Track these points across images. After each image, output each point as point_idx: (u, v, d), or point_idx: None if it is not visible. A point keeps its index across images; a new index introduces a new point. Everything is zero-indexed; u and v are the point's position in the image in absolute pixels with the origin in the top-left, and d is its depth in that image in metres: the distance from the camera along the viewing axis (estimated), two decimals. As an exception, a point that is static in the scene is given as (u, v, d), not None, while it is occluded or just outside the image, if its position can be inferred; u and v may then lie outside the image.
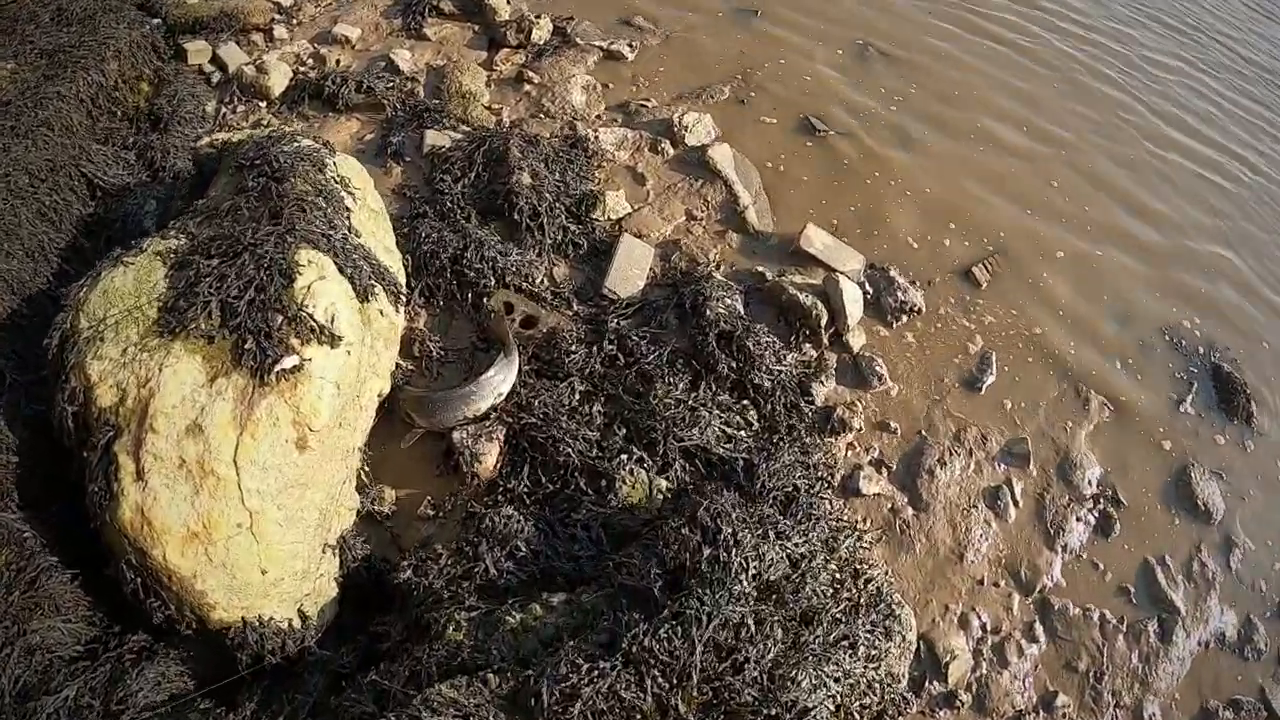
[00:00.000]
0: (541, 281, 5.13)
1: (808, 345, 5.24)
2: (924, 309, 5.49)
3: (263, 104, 5.94)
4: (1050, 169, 6.80)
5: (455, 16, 6.88)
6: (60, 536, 3.35)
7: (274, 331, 3.42)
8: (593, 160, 5.83)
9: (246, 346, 3.36)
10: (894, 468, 4.82)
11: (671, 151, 6.09)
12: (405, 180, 5.54)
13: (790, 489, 4.21)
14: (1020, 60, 7.96)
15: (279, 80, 6.00)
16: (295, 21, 6.65)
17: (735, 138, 6.33)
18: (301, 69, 6.24)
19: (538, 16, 6.88)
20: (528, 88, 6.42)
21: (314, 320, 3.53)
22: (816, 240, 5.75)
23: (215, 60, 6.14)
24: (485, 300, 4.89)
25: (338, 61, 6.31)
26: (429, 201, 5.31)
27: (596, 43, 6.88)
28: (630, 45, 6.91)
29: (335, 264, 3.83)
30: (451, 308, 4.95)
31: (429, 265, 4.91)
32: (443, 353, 4.77)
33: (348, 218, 4.16)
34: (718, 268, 5.56)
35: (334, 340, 3.56)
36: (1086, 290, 5.92)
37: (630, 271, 5.31)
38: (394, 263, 4.53)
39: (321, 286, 3.68)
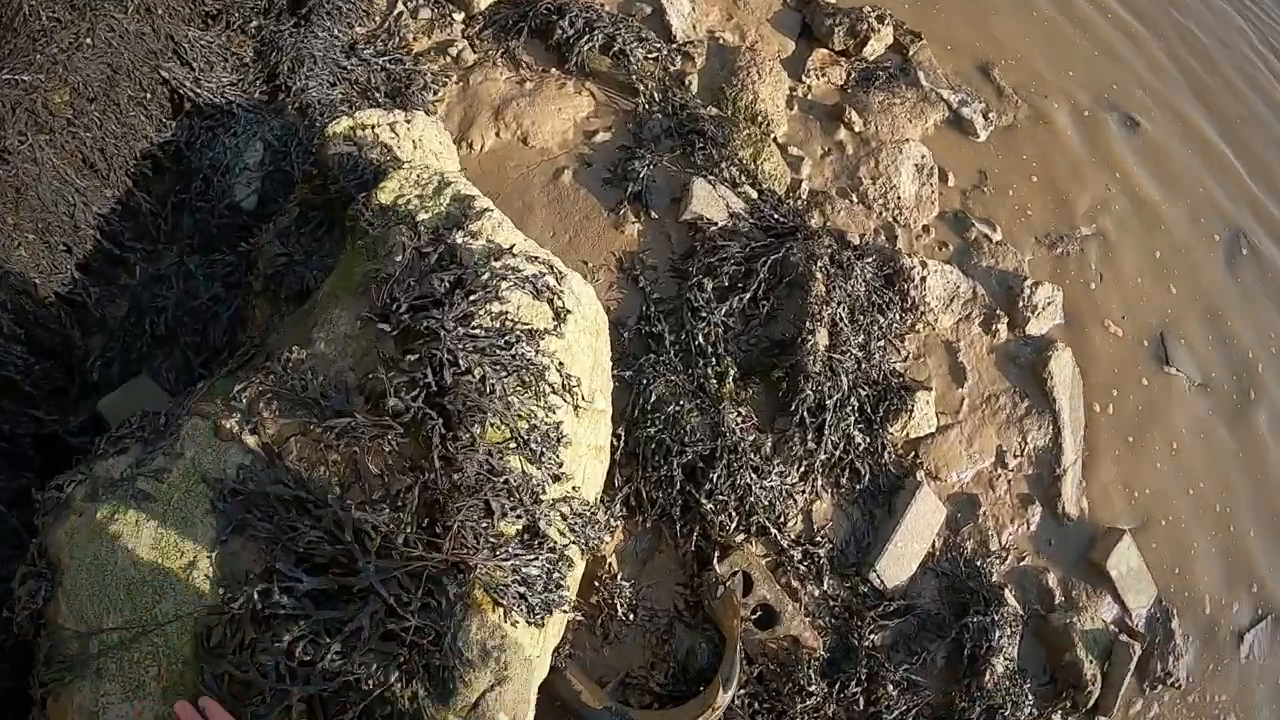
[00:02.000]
0: (793, 527, 3.15)
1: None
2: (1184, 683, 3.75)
3: (458, 17, 3.61)
4: None
5: (773, -32, 4.46)
6: None
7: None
8: (908, 316, 3.72)
9: None
10: None
11: (1004, 335, 4.00)
12: (640, 251, 3.37)
13: None
14: None
15: (492, -16, 3.65)
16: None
17: (1077, 337, 4.24)
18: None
19: (881, 19, 4.50)
20: (843, 135, 4.15)
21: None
22: (1123, 563, 3.86)
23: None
24: (715, 559, 2.91)
25: (586, -16, 3.93)
26: (669, 314, 3.19)
27: (944, 93, 4.57)
28: (985, 116, 4.62)
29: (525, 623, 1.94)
30: (660, 532, 2.98)
31: (651, 462, 2.88)
32: (630, 606, 2.85)
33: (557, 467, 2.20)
34: (1003, 558, 3.65)
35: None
36: None
37: (910, 547, 3.36)
38: (600, 468, 2.55)
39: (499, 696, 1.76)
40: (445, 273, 2.09)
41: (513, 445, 2.03)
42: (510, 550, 1.91)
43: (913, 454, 3.55)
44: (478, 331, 2.04)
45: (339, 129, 2.73)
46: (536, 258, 2.35)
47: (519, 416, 2.07)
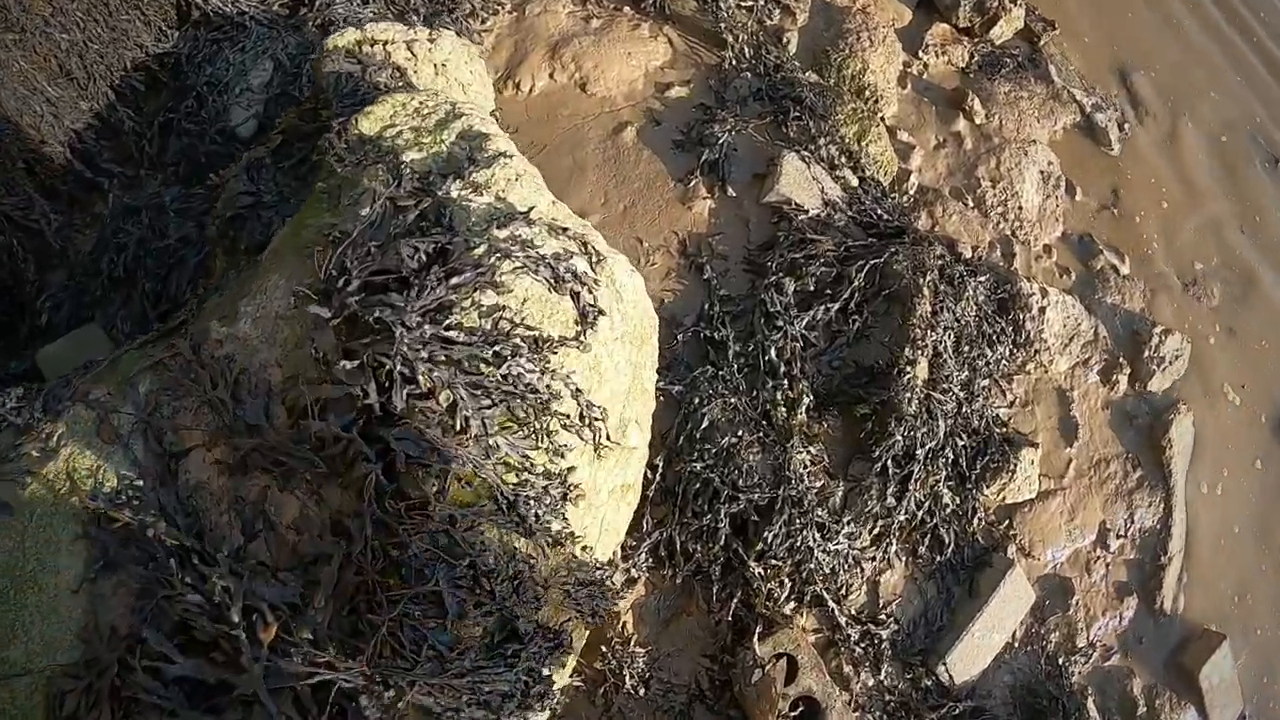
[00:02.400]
0: (854, 599, 2.53)
1: None
2: None
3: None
4: None
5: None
6: None
7: None
8: (1019, 353, 3.06)
9: None
10: None
11: (1123, 388, 3.34)
12: (709, 234, 2.73)
13: None
14: None
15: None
16: None
17: (1196, 396, 3.56)
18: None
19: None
20: (961, 126, 3.47)
21: None
22: (1216, 673, 3.23)
23: None
24: (756, 635, 2.30)
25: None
26: (736, 317, 2.56)
27: (1076, 93, 3.86)
28: (1121, 127, 3.91)
29: None
30: (692, 592, 2.37)
31: (693, 506, 2.27)
32: (642, 677, 2.26)
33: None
34: (1089, 657, 3.04)
35: None
36: None
37: (989, 637, 2.74)
38: (625, 511, 1.96)
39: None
40: (423, 239, 1.46)
41: (490, 509, 1.42)
42: (467, 664, 1.31)
43: (1006, 523, 2.91)
44: (454, 334, 1.41)
45: (342, 42, 2.12)
46: (565, 229, 1.72)
47: (505, 467, 1.45)
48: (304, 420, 1.31)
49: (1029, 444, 2.90)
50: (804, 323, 2.56)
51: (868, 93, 3.21)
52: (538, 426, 1.54)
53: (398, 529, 1.28)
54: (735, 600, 2.34)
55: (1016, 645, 2.90)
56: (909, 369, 2.58)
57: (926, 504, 2.64)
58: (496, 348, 1.42)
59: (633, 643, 2.32)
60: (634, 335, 1.88)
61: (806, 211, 2.72)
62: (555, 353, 1.54)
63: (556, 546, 1.64)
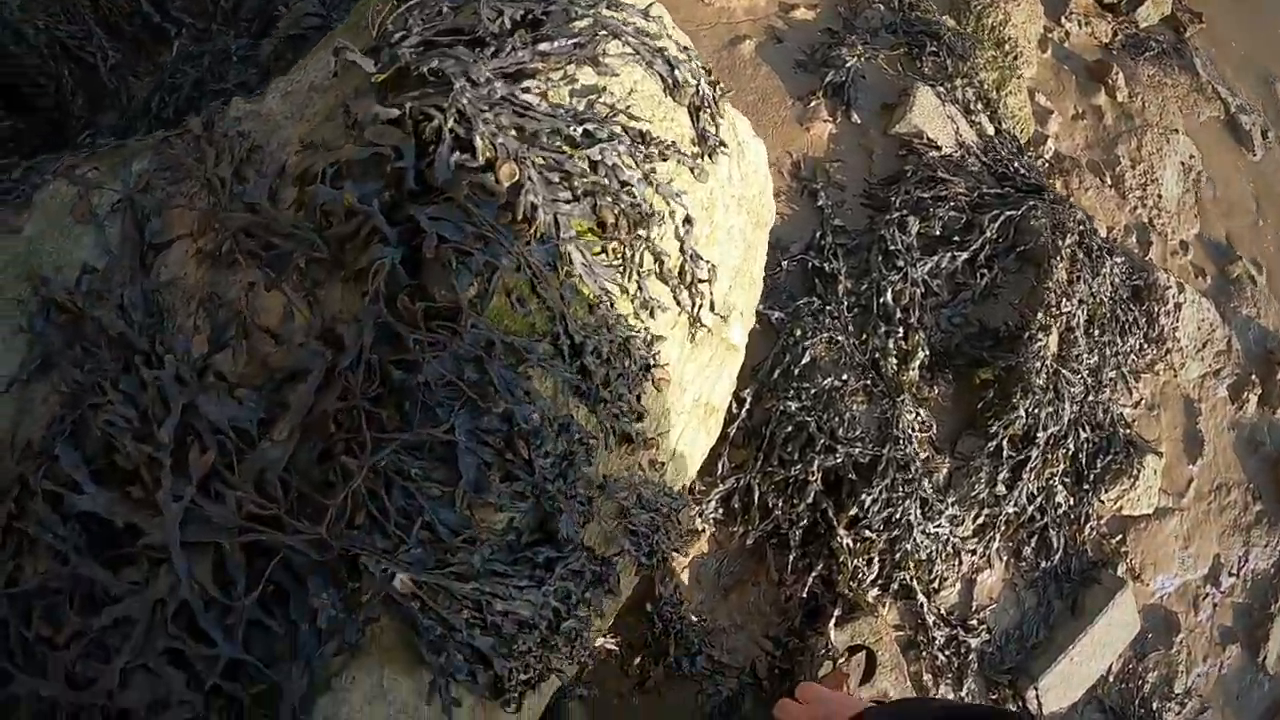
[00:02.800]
0: (946, 597, 2.17)
1: None
2: None
3: None
4: None
5: None
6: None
7: None
8: (1150, 349, 2.68)
9: None
10: None
11: (1252, 409, 2.95)
12: (827, 159, 2.39)
13: None
14: None
15: None
16: None
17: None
18: None
19: (1170, -22, 3.43)
20: (1103, 100, 3.11)
21: None
22: None
23: None
24: (833, 620, 1.94)
25: None
26: (850, 252, 2.21)
27: (1222, 91, 3.48)
28: (1264, 134, 3.53)
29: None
30: (763, 558, 2.02)
31: (781, 452, 1.92)
32: (689, 649, 1.91)
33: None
34: (1183, 705, 2.64)
35: None
36: None
37: (1087, 665, 2.36)
38: (704, 439, 1.62)
39: None
40: (511, 2, 1.12)
41: (547, 351, 1.06)
42: (476, 562, 0.95)
43: (1119, 537, 2.53)
44: (533, 99, 1.07)
45: None
46: (687, 49, 1.38)
47: (576, 294, 1.11)
48: (310, 187, 0.97)
49: (1153, 451, 2.52)
50: (927, 268, 2.21)
51: (1007, 46, 2.87)
52: (628, 253, 1.19)
53: (408, 340, 0.92)
54: (815, 574, 1.98)
55: (1111, 679, 2.52)
56: (1041, 336, 2.22)
57: (1039, 499, 2.27)
58: (588, 125, 1.08)
59: (684, 606, 1.97)
60: (751, 206, 1.55)
61: (939, 148, 2.37)
62: (665, 159, 1.19)
63: (625, 444, 1.30)
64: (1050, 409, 2.22)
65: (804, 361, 2.01)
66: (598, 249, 1.18)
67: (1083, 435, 2.34)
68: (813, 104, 2.39)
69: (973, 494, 2.18)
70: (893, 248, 2.20)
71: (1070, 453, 2.32)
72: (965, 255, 2.27)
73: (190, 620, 0.82)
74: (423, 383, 0.94)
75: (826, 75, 2.40)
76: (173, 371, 0.90)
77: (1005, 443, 2.19)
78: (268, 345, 0.97)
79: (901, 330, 2.15)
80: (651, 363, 1.28)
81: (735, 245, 1.55)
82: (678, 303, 1.37)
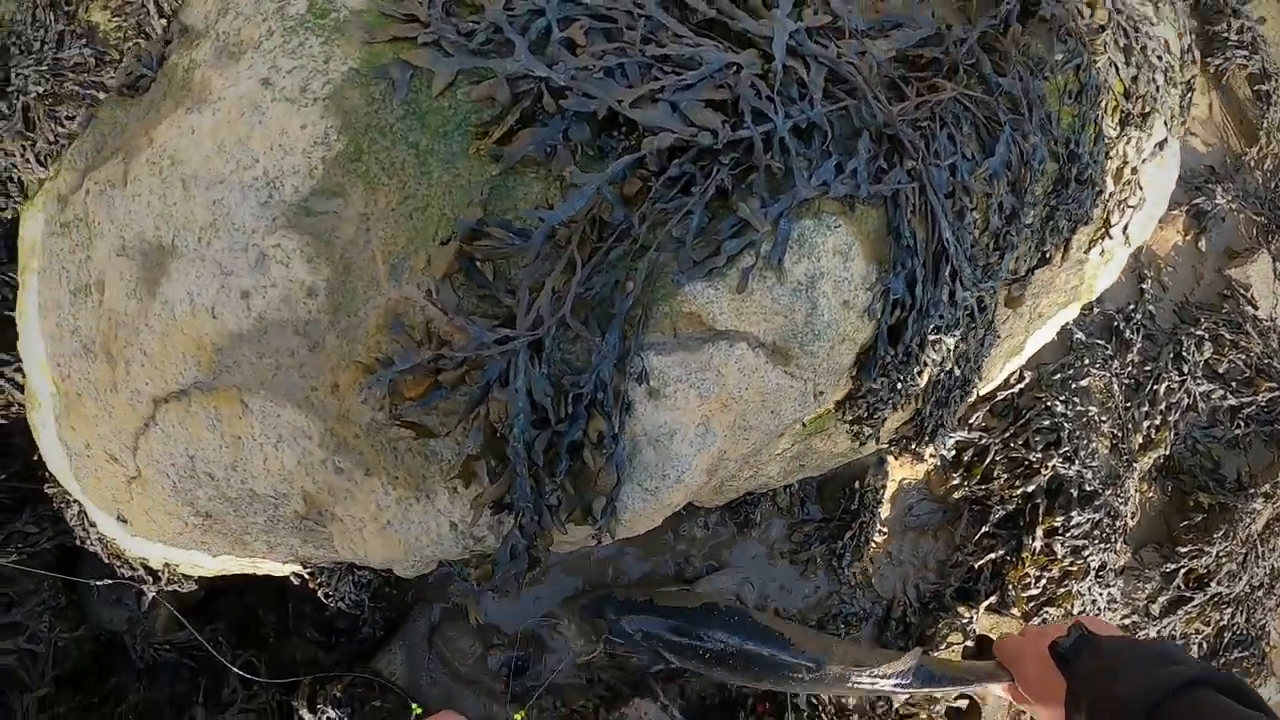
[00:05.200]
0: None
1: None
2: None
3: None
4: None
5: None
6: None
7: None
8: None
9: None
10: None
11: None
12: (1166, 260, 2.56)
13: None
14: None
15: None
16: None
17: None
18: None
19: None
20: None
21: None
22: None
23: None
24: (984, 602, 2.03)
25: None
26: (1149, 336, 2.35)
27: None
28: None
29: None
30: (956, 516, 2.13)
31: (1029, 433, 2.06)
32: (855, 550, 2.02)
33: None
34: None
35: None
36: None
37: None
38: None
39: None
40: None
41: None
42: None
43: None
44: None
45: None
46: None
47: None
48: None
49: (1274, 675, 2.55)
50: (1201, 389, 2.34)
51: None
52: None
53: None
54: (993, 556, 2.07)
55: None
56: (1256, 505, 2.31)
57: (1177, 640, 2.33)
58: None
59: (877, 511, 2.08)
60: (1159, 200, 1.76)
61: (1256, 308, 2.52)
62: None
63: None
64: (1229, 569, 2.30)
65: (1082, 383, 2.15)
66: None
67: (1236, 616, 2.40)
68: (1174, 212, 2.57)
69: (1131, 596, 2.25)
70: (1185, 355, 2.34)
71: (1219, 624, 2.38)
72: (1233, 402, 2.39)
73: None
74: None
75: (1197, 199, 2.59)
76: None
77: (1182, 574, 2.27)
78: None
79: (1158, 420, 2.27)
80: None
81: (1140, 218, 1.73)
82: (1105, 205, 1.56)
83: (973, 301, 1.32)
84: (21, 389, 1.90)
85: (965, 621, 2.03)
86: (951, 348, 1.33)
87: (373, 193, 1.10)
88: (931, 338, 1.29)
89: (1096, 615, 2.12)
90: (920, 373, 1.35)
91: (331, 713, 1.86)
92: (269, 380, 1.18)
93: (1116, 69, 1.42)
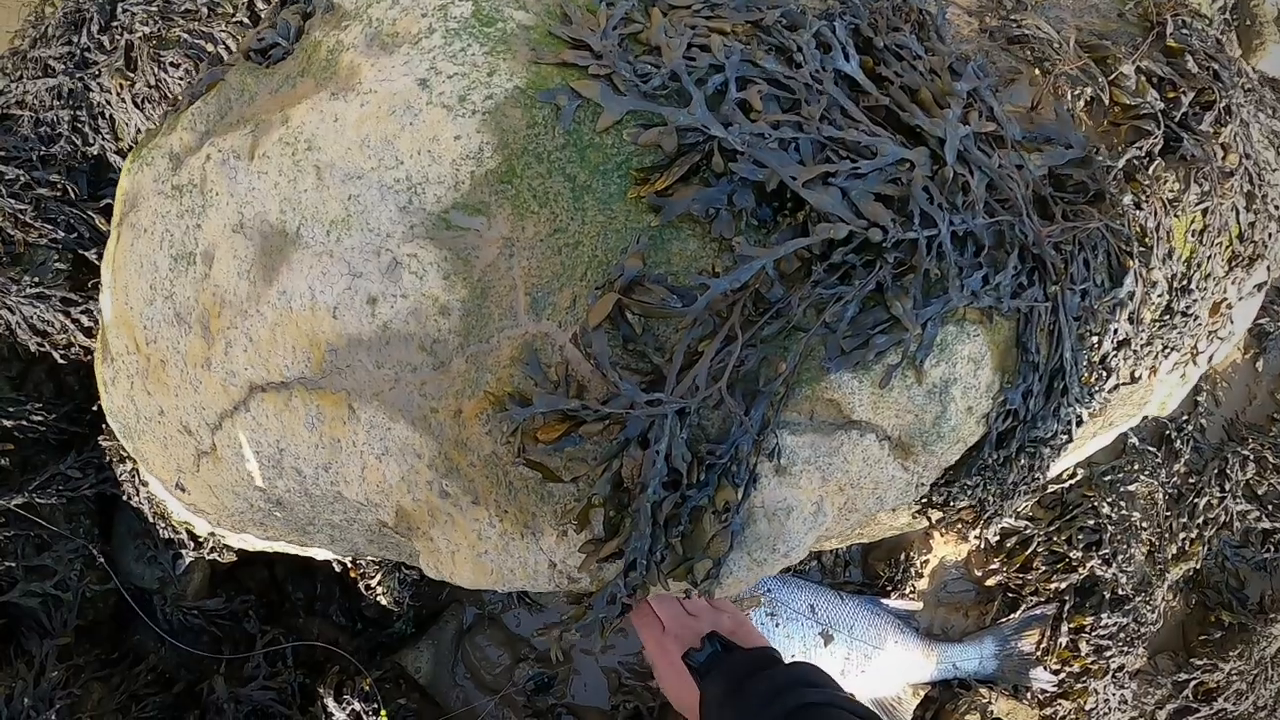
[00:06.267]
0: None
1: None
2: None
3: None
4: None
5: None
6: None
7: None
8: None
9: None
10: None
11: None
12: (1222, 375, 2.60)
13: None
14: None
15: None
16: None
17: None
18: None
19: None
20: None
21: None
22: None
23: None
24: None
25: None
26: (1196, 449, 2.40)
27: None
28: None
29: None
30: (989, 598, 2.18)
31: (1073, 530, 2.10)
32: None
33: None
34: None
35: None
36: None
37: None
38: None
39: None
40: None
41: None
42: None
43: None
44: None
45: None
46: None
47: None
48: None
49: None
50: (1239, 508, 2.39)
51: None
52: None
53: None
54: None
55: None
56: (1273, 631, 2.36)
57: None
58: None
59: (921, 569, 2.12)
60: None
61: (1297, 438, 2.58)
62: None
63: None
64: (1239, 687, 2.35)
65: (1130, 487, 2.20)
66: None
67: (1235, 737, 2.45)
68: (1233, 330, 2.62)
69: (1141, 700, 2.30)
70: (1228, 472, 2.39)
71: (1218, 741, 2.43)
72: (1266, 525, 2.44)
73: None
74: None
75: (1261, 319, 2.64)
76: None
77: (1192, 685, 2.32)
78: None
79: (1194, 534, 2.32)
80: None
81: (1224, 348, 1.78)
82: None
83: (1073, 417, 1.36)
84: (85, 332, 1.89)
85: (985, 702, 2.07)
86: (1047, 457, 1.37)
87: (520, 219, 1.07)
88: (1030, 448, 1.34)
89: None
90: (1010, 475, 1.40)
91: (357, 705, 1.87)
92: (385, 392, 1.14)
93: (1237, 213, 1.47)
